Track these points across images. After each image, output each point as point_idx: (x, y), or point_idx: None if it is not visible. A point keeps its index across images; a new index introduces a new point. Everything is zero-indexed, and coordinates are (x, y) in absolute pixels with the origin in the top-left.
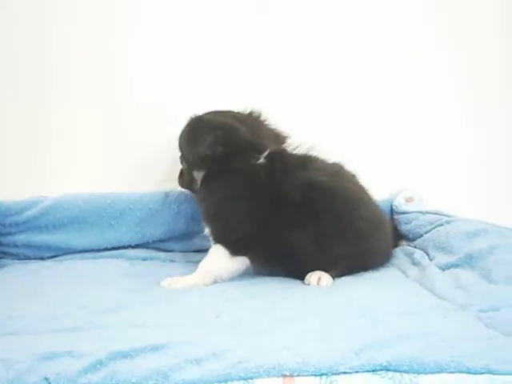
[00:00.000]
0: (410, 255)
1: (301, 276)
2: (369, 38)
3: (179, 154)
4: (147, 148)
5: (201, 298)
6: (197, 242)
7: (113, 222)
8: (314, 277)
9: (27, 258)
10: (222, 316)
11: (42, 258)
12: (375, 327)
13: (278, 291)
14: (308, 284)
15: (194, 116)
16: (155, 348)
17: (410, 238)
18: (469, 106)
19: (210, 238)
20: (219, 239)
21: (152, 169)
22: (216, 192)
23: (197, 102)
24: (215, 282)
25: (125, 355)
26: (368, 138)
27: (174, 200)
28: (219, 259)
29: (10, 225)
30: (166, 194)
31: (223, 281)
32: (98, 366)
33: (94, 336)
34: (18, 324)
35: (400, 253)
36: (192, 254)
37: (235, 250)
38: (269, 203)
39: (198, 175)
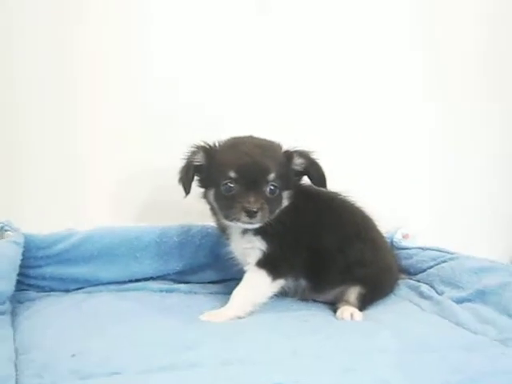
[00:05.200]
0: (415, 289)
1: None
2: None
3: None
4: None
5: (260, 333)
6: (211, 274)
7: (138, 255)
8: (346, 313)
9: (52, 289)
10: (297, 352)
11: (67, 290)
12: (446, 361)
13: (323, 325)
14: (342, 319)
15: (250, 137)
16: None
17: (411, 272)
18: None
19: (250, 265)
20: (270, 263)
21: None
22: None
23: (197, 105)
24: (251, 311)
25: None
26: (364, 174)
27: (196, 233)
28: (261, 286)
29: (42, 257)
30: (190, 228)
31: (259, 308)
32: None
33: (200, 374)
34: (117, 363)
35: (404, 286)
36: (209, 285)
37: (279, 273)
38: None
39: (287, 196)
